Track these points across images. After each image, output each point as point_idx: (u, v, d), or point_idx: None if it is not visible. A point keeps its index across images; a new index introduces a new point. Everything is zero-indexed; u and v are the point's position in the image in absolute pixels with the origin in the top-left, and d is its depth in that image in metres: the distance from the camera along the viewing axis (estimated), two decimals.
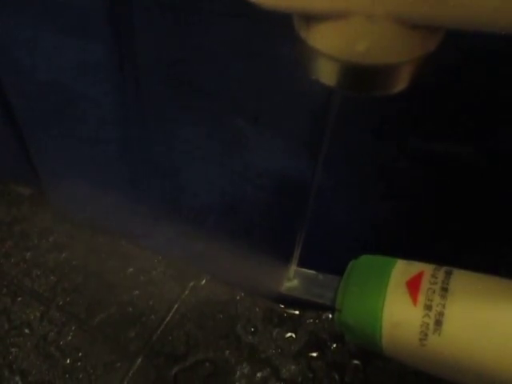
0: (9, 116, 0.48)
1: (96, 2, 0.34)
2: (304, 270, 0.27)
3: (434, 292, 0.21)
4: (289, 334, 0.49)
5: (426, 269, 0.22)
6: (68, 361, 0.47)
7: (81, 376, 0.47)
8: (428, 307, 0.20)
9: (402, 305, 0.21)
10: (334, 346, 0.48)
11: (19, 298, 0.51)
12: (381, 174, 0.36)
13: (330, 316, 0.49)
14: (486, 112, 0.29)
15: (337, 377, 0.46)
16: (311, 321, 0.50)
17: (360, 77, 0.16)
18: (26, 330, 0.49)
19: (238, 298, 0.51)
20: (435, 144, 0.32)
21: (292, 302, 0.51)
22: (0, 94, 0.47)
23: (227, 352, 0.48)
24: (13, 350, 0.48)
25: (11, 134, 0.50)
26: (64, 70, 0.40)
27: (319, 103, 0.22)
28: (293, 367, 0.47)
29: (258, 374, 0.46)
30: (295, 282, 0.27)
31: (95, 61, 0.38)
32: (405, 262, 0.23)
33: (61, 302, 0.51)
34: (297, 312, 0.50)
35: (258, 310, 0.50)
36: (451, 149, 0.31)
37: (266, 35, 0.28)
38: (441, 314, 0.20)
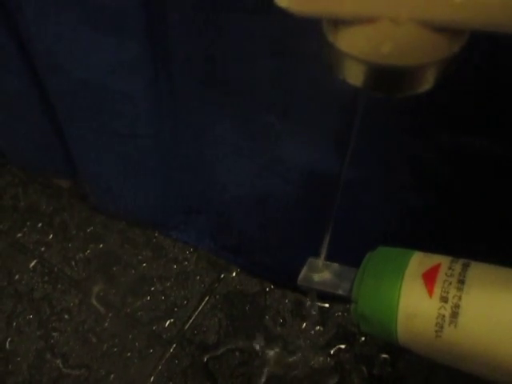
0: (49, 113, 0.50)
1: (132, 3, 0.35)
2: (322, 261, 0.28)
3: (450, 284, 0.21)
4: (317, 327, 0.49)
5: (443, 261, 0.22)
6: (105, 346, 0.50)
7: (117, 361, 0.49)
8: (444, 299, 0.20)
9: (417, 296, 0.21)
10: (363, 339, 0.48)
11: (59, 286, 0.54)
12: (409, 169, 0.36)
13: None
14: None
15: (365, 370, 0.47)
16: (340, 314, 0.50)
17: (385, 78, 0.16)
18: (66, 316, 0.52)
19: (267, 289, 0.52)
20: (464, 138, 0.31)
21: (321, 294, 0.51)
22: (40, 91, 0.49)
23: (256, 342, 0.49)
24: (54, 334, 0.51)
25: (52, 129, 0.53)
26: (101, 68, 0.41)
27: (347, 98, 0.23)
28: (321, 359, 0.47)
29: (286, 365, 0.47)
30: (313, 273, 0.28)
31: (131, 59, 0.39)
32: (421, 253, 0.23)
33: (98, 291, 0.53)
34: (326, 305, 0.51)
35: (287, 301, 0.51)
36: (480, 143, 0.31)
37: (295, 32, 0.28)
38: (457, 306, 0.20)
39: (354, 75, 0.17)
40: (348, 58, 0.16)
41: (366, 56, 0.16)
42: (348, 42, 0.16)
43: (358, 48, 0.16)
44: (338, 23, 0.16)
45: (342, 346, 0.48)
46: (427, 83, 0.17)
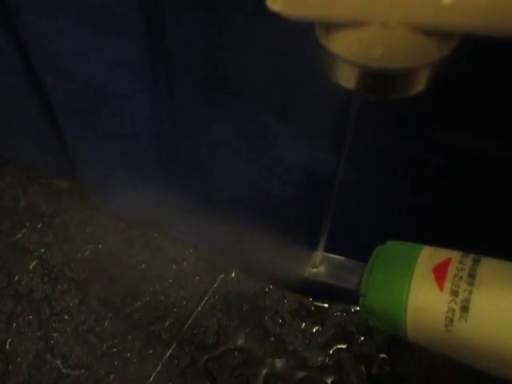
0: (49, 114, 0.51)
1: (131, 4, 0.35)
2: (330, 255, 0.28)
3: (460, 278, 0.21)
4: (316, 327, 0.50)
5: (454, 256, 0.22)
6: (104, 347, 0.50)
7: (116, 361, 0.49)
8: (454, 293, 0.21)
9: (427, 290, 0.21)
10: (362, 338, 0.48)
11: (59, 286, 0.54)
12: (406, 168, 0.36)
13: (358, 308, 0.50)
14: None
15: (363, 369, 0.47)
16: (339, 314, 0.50)
17: (376, 80, 0.17)
18: (66, 317, 0.52)
19: (266, 290, 0.52)
20: (461, 138, 0.32)
21: (320, 294, 0.51)
22: (40, 92, 0.49)
23: (255, 342, 0.49)
24: (54, 334, 0.51)
25: (51, 130, 0.53)
26: (101, 69, 0.42)
27: (344, 99, 0.23)
28: (320, 359, 0.48)
29: (285, 365, 0.47)
30: (320, 268, 0.28)
31: (130, 60, 0.39)
32: (431, 248, 0.23)
33: (97, 291, 0.53)
34: (325, 305, 0.51)
35: (286, 302, 0.51)
36: (477, 143, 0.31)
37: (292, 33, 0.28)
38: (467, 300, 0.20)
39: (346, 78, 0.17)
40: (340, 61, 0.17)
41: (357, 59, 0.16)
42: (340, 44, 0.16)
43: (350, 51, 0.16)
44: (330, 26, 0.16)
45: (341, 346, 0.48)
46: (419, 85, 0.17)
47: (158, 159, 0.49)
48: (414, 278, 0.22)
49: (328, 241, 0.29)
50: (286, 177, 0.42)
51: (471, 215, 0.37)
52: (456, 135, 0.32)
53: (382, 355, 0.47)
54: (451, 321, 0.21)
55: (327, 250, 0.29)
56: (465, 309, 0.20)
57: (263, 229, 0.49)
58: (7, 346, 0.50)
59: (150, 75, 0.40)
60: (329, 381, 0.47)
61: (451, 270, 0.21)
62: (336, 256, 0.28)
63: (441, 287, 0.21)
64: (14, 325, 0.51)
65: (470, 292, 0.20)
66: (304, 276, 0.28)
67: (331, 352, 0.48)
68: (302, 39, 0.29)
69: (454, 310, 0.21)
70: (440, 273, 0.21)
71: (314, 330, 0.49)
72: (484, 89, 0.28)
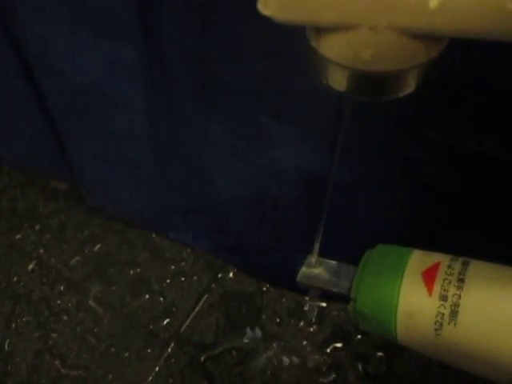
0: (46, 115, 0.51)
1: (127, 6, 0.35)
2: (320, 259, 0.28)
3: (449, 282, 0.21)
4: (314, 326, 0.50)
5: (443, 259, 0.22)
6: (103, 347, 0.50)
7: (115, 361, 0.49)
8: (443, 297, 0.21)
9: (417, 295, 0.21)
10: (359, 337, 0.49)
11: (57, 287, 0.54)
12: (404, 169, 0.36)
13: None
14: (510, 106, 0.29)
15: (360, 368, 0.47)
16: (336, 313, 0.50)
17: (366, 83, 0.17)
18: (65, 317, 0.52)
19: (264, 289, 0.52)
20: (458, 137, 0.32)
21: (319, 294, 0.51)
22: (38, 93, 0.49)
23: (253, 341, 0.49)
24: (53, 335, 0.51)
25: (49, 131, 0.53)
26: (97, 71, 0.42)
27: (340, 99, 0.23)
28: (317, 357, 0.48)
29: (283, 364, 0.48)
30: (314, 271, 0.28)
31: (126, 61, 0.39)
32: (421, 252, 0.23)
33: (96, 291, 0.54)
34: (323, 304, 0.51)
35: (283, 301, 0.52)
36: (474, 142, 0.31)
37: (288, 34, 0.29)
38: (456, 304, 0.20)
39: (337, 80, 0.18)
40: (330, 64, 0.17)
41: (347, 62, 0.16)
42: (330, 48, 0.17)
43: (340, 54, 0.16)
44: (321, 30, 0.16)
45: (338, 345, 0.48)
46: (408, 87, 0.17)
47: (156, 160, 0.49)
48: (404, 283, 0.22)
49: (323, 242, 0.29)
50: (283, 177, 0.42)
51: (469, 216, 0.37)
52: (453, 135, 0.32)
53: (379, 353, 0.48)
54: (441, 325, 0.21)
55: (322, 252, 0.29)
56: (454, 313, 0.20)
57: (261, 228, 0.49)
58: (6, 347, 0.50)
59: (147, 76, 0.40)
60: (326, 379, 0.47)
61: (440, 274, 0.21)
62: (330, 260, 0.28)
63: (430, 292, 0.21)
64: (13, 325, 0.51)
65: (459, 296, 0.20)
66: (297, 280, 0.29)
67: (328, 351, 0.48)
68: (298, 41, 0.29)
69: (443, 314, 0.21)
70: (429, 277, 0.21)
71: (312, 329, 0.50)
72: (482, 88, 0.29)
